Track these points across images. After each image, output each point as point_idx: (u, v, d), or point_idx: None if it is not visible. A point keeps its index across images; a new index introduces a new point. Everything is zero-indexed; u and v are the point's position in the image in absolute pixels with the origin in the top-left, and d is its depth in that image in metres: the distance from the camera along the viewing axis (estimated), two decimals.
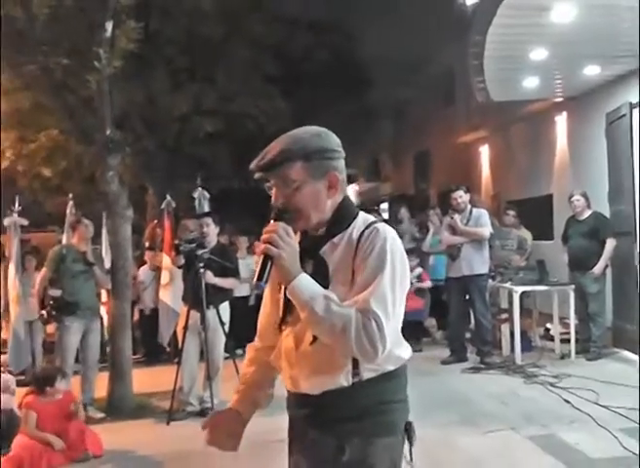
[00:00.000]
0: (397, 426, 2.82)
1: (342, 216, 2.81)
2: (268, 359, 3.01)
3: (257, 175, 2.82)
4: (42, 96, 11.34)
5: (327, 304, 2.55)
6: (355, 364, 2.70)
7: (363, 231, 2.72)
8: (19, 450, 7.08)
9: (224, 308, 9.00)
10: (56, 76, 9.61)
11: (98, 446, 7.48)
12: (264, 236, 2.60)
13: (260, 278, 2.60)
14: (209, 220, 9.11)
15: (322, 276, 2.69)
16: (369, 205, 25.78)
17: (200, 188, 12.21)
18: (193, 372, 8.87)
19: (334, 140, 2.83)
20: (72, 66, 9.73)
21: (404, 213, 14.11)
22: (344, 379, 2.71)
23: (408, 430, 2.84)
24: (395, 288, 2.63)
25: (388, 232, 2.71)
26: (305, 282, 2.59)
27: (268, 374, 3.14)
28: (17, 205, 11.26)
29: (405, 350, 2.86)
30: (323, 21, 19.35)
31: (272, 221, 2.66)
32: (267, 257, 2.59)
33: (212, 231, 9.09)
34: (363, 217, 2.83)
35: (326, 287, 2.64)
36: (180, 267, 9.08)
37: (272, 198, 2.81)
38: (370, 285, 2.60)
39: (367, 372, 2.71)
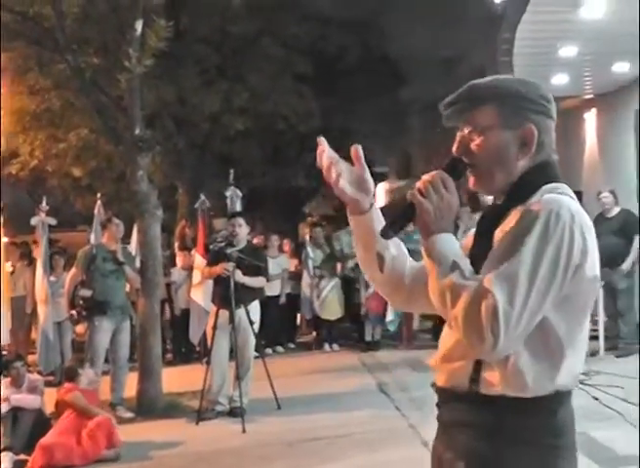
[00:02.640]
0: None
1: (528, 183, 2.30)
2: None
3: (444, 116, 2.40)
4: (72, 95, 11.37)
5: (447, 270, 2.15)
6: (477, 367, 2.25)
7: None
8: (54, 439, 7.14)
9: (254, 307, 8.97)
10: (86, 75, 9.62)
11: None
12: (417, 183, 2.25)
13: (390, 224, 2.31)
14: (241, 220, 9.09)
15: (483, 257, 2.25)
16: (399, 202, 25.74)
17: (233, 187, 12.17)
18: (223, 372, 8.83)
19: (538, 91, 2.37)
20: (102, 65, 9.73)
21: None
22: (463, 380, 2.27)
23: None
24: (538, 274, 2.07)
25: (558, 205, 2.15)
26: (444, 242, 2.20)
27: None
28: (44, 204, 11.28)
29: (562, 376, 2.22)
30: (355, 20, 19.24)
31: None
32: (410, 206, 2.24)
33: (243, 231, 9.08)
34: (552, 187, 2.29)
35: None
36: (209, 266, 9.07)
37: (454, 145, 2.38)
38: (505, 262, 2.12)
39: (487, 385, 2.22)
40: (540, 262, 2.08)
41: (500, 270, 2.10)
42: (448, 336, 2.35)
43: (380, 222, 2.48)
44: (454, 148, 2.36)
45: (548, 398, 2.19)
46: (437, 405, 2.41)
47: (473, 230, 2.45)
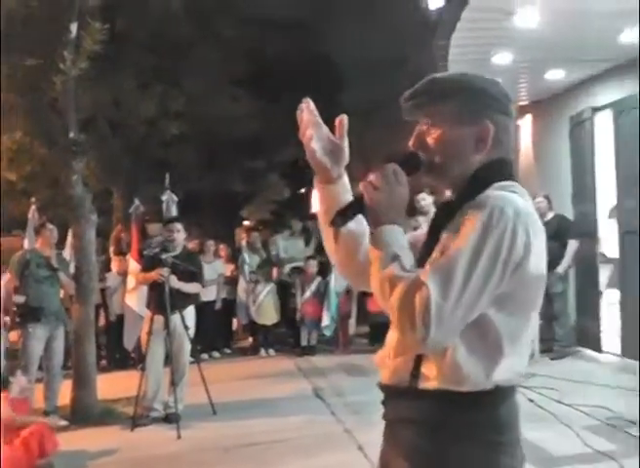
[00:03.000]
0: None
1: (481, 180, 2.29)
2: None
3: (403, 110, 2.42)
4: (8, 96, 11.21)
5: (389, 261, 2.15)
6: (417, 362, 2.25)
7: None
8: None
9: (189, 313, 8.96)
10: (21, 77, 9.50)
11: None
12: (370, 175, 2.25)
13: (339, 213, 2.33)
14: (178, 226, 9.08)
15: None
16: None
17: (168, 191, 12.10)
18: (158, 378, 8.79)
19: (498, 89, 2.40)
20: (37, 67, 9.62)
21: None
22: (404, 376, 2.28)
23: None
24: (475, 269, 2.06)
25: (503, 201, 2.14)
26: (389, 233, 2.20)
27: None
28: None
29: (502, 372, 2.21)
30: (294, 23, 19.27)
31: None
32: (362, 197, 2.26)
33: (180, 237, 9.06)
34: (503, 185, 2.29)
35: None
36: (144, 271, 9.02)
37: (411, 139, 2.39)
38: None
39: (426, 380, 2.23)
40: (478, 257, 2.07)
41: (438, 263, 2.12)
42: (392, 333, 2.36)
43: (345, 195, 2.52)
44: (410, 142, 2.38)
45: (489, 393, 2.19)
46: (382, 402, 2.42)
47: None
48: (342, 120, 2.52)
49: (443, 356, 2.17)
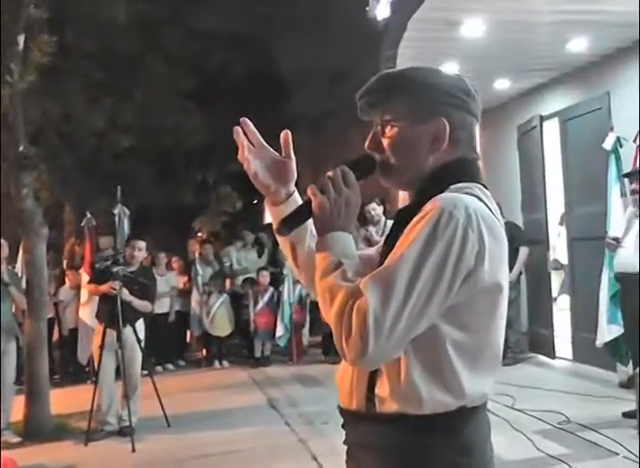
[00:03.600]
0: None
1: (437, 181, 2.13)
2: None
3: (358, 110, 2.28)
4: None
5: (331, 270, 2.02)
6: (371, 384, 2.10)
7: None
8: None
9: (140, 325, 8.91)
10: None
11: None
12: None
13: (284, 220, 2.23)
14: (141, 244, 9.12)
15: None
16: None
17: (120, 204, 12.06)
18: (111, 391, 8.73)
19: (454, 83, 2.22)
20: None
21: None
22: (360, 399, 2.14)
23: None
24: (420, 277, 1.90)
25: (453, 203, 1.97)
26: (335, 241, 2.07)
27: None
28: None
29: (463, 391, 2.05)
30: (240, 36, 19.29)
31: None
32: (308, 203, 2.14)
33: (141, 255, 9.12)
34: (459, 187, 2.12)
35: None
36: (94, 284, 8.97)
37: (367, 140, 2.26)
38: None
39: (383, 403, 2.07)
40: (422, 265, 1.91)
41: (378, 271, 1.96)
42: None
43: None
44: (366, 143, 2.26)
45: (452, 415, 2.05)
46: (342, 426, 2.27)
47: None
48: (286, 137, 2.39)
49: (398, 377, 2.03)
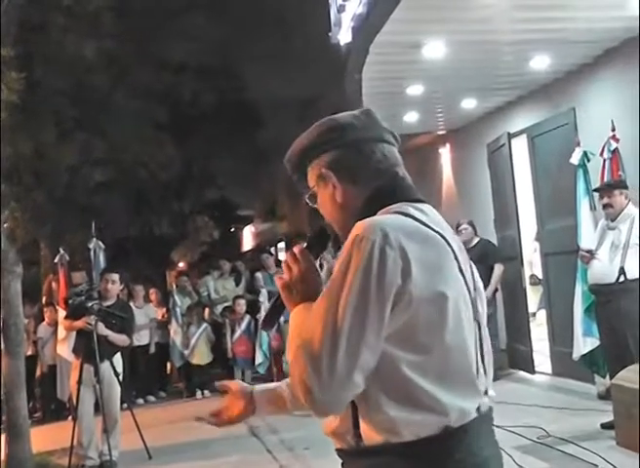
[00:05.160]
0: None
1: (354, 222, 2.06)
2: None
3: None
4: None
5: (292, 341, 2.03)
6: (355, 421, 2.06)
7: None
8: None
9: (117, 359, 8.87)
10: None
11: None
12: None
13: (265, 319, 2.42)
14: (115, 277, 9.07)
15: None
16: (266, 245, 25.85)
17: (95, 239, 12.08)
18: (90, 426, 8.69)
19: (320, 129, 2.28)
20: None
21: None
22: (348, 438, 2.11)
23: None
24: (346, 309, 1.89)
25: (365, 227, 1.97)
26: (299, 314, 2.08)
27: None
28: None
29: (443, 411, 2.01)
30: (210, 66, 19.40)
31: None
32: (278, 297, 2.22)
33: (115, 288, 9.05)
34: (388, 209, 2.13)
35: None
36: (70, 319, 8.94)
37: None
38: None
39: (369, 437, 2.05)
40: (346, 294, 1.90)
41: (308, 319, 1.98)
42: None
43: (268, 398, 2.61)
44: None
45: (437, 437, 2.00)
46: (342, 466, 2.22)
47: None
48: (223, 386, 2.76)
49: (370, 410, 2.01)
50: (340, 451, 2.19)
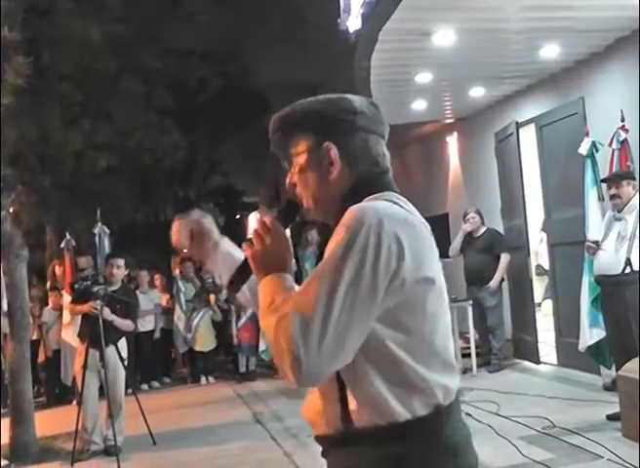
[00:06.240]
0: None
1: (351, 201, 2.13)
2: None
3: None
4: None
5: (266, 309, 2.06)
6: (344, 404, 2.09)
7: None
8: None
9: (122, 344, 8.87)
10: None
11: None
12: None
13: (231, 280, 2.35)
14: (120, 262, 9.02)
15: None
16: None
17: (100, 224, 12.07)
18: (95, 411, 8.69)
19: (337, 106, 2.27)
20: None
21: (314, 235, 13.99)
22: (335, 422, 2.12)
23: None
24: (339, 287, 1.93)
25: (361, 212, 2.03)
26: (267, 284, 2.13)
27: None
28: None
29: (431, 392, 2.09)
30: (216, 51, 19.35)
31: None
32: (246, 260, 2.26)
33: (120, 273, 9.03)
34: (370, 198, 2.18)
35: None
36: (75, 304, 8.93)
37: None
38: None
39: (359, 418, 2.07)
40: (340, 274, 1.94)
41: (300, 289, 2.04)
42: None
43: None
44: (286, 181, 2.36)
45: (429, 417, 2.06)
46: (322, 455, 2.25)
47: None
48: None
49: (362, 391, 2.05)
50: (323, 438, 2.21)
